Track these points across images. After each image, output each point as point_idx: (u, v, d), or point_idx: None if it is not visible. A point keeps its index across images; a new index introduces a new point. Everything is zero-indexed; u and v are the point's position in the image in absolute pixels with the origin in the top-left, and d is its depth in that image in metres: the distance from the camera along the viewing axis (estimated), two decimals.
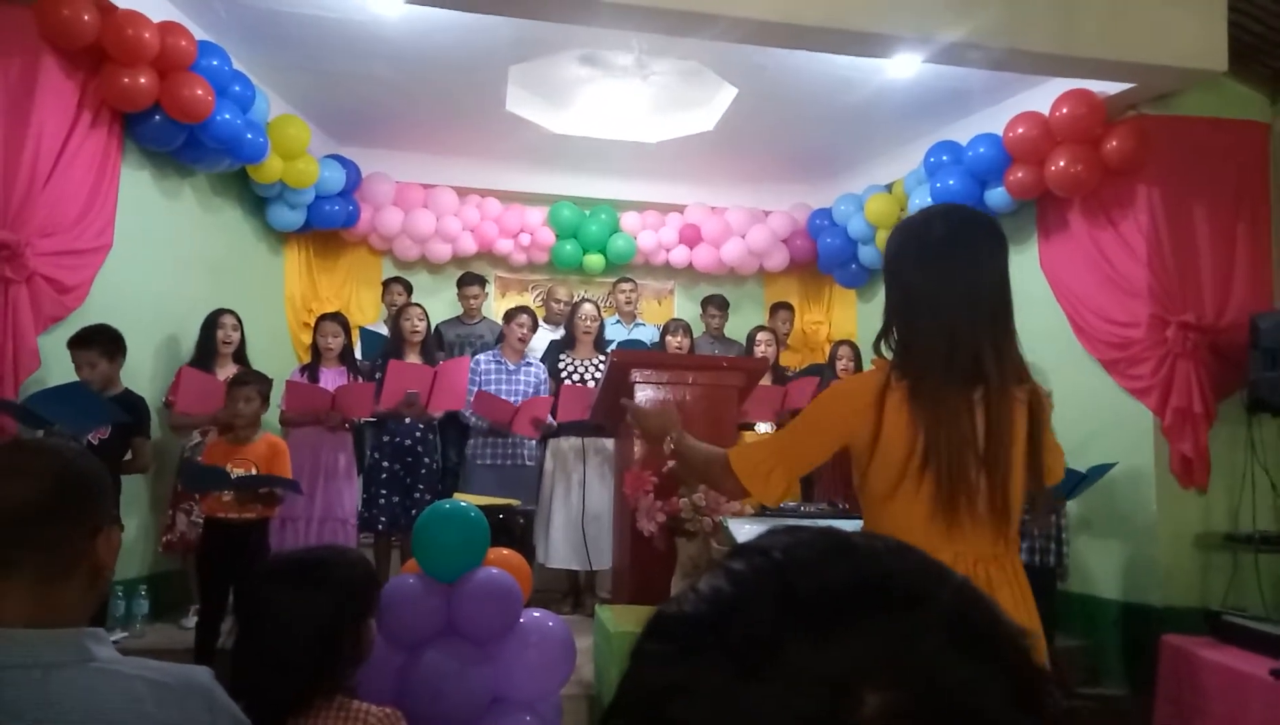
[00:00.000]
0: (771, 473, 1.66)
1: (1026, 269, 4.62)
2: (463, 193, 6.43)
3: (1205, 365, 4.09)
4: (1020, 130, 4.49)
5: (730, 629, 0.41)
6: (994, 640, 0.41)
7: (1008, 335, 1.60)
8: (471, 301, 5.86)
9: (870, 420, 1.58)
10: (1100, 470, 4.00)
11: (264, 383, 3.85)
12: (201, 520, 3.97)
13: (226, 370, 4.49)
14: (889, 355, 1.65)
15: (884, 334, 1.66)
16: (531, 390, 4.87)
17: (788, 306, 6.51)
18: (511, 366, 4.99)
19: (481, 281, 6.04)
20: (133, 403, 3.78)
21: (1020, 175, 4.56)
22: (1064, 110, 4.29)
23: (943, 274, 1.58)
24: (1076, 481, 3.88)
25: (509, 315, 5.14)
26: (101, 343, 3.65)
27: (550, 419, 4.70)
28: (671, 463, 3.23)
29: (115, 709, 1.02)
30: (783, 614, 0.41)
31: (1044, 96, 4.46)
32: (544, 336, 5.76)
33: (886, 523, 1.60)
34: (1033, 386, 1.62)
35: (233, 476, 3.53)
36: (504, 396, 4.74)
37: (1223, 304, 4.18)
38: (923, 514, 1.56)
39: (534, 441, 4.96)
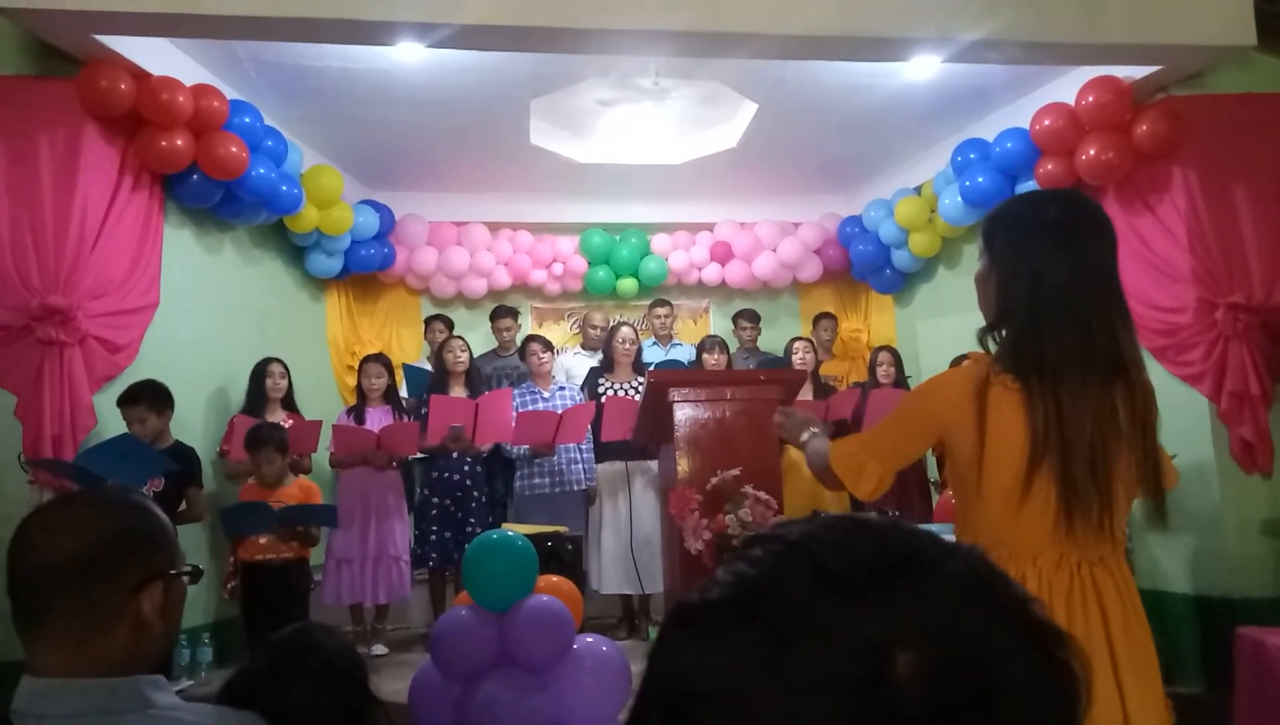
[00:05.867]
0: (865, 466, 1.63)
1: None
2: (494, 227, 6.53)
3: (1259, 346, 3.97)
4: (1047, 122, 4.43)
5: (763, 604, 0.44)
6: (1004, 600, 0.45)
7: (1130, 323, 1.54)
8: (504, 334, 5.93)
9: (970, 415, 1.51)
10: None
11: (279, 438, 3.98)
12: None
13: (276, 417, 4.60)
14: (993, 349, 1.57)
15: (993, 328, 1.58)
16: None
17: (829, 316, 6.49)
18: (546, 394, 5.06)
19: (514, 313, 6.12)
20: (184, 454, 3.88)
21: (1050, 167, 4.49)
22: (1090, 98, 4.23)
23: (1073, 260, 1.50)
24: None
25: (521, 350, 5.31)
26: (148, 398, 3.77)
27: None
28: (716, 480, 3.24)
29: None
30: (815, 586, 0.44)
31: (1069, 86, 4.40)
32: (583, 363, 5.81)
33: (993, 520, 1.54)
34: (1145, 381, 1.54)
35: (274, 508, 3.66)
36: None
37: (1272, 281, 4.05)
38: (1034, 513, 1.49)
39: (586, 466, 4.98)
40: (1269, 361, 3.98)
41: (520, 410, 4.95)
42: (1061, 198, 1.65)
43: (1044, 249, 1.52)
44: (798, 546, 0.46)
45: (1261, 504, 4.02)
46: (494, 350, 6.05)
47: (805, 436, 1.86)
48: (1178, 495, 4.17)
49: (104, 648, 1.07)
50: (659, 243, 6.74)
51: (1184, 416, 4.10)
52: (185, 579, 1.18)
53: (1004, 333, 1.57)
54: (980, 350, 1.60)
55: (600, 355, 5.34)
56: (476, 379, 5.09)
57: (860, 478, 1.63)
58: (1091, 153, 4.26)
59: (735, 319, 6.25)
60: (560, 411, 4.78)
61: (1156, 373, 4.20)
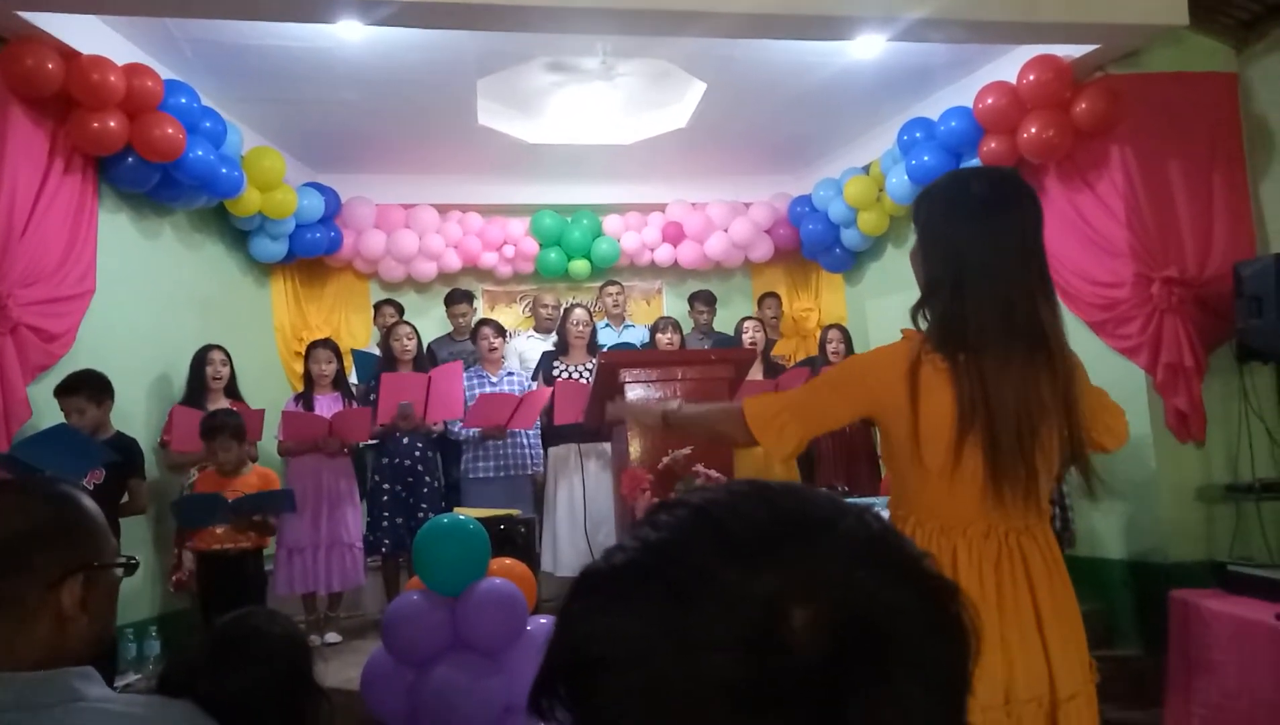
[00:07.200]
0: (786, 426, 1.62)
1: None
2: (443, 210, 6.45)
3: (1192, 318, 4.10)
4: (990, 101, 4.49)
5: (667, 567, 0.45)
6: (897, 556, 0.47)
7: (1054, 296, 1.55)
8: (460, 319, 5.88)
9: (903, 394, 1.53)
10: None
11: (234, 424, 3.90)
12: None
13: (219, 406, 4.50)
14: (924, 327, 1.58)
15: (921, 305, 1.59)
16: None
17: (773, 295, 6.55)
18: (494, 378, 5.03)
19: (470, 298, 6.07)
20: (125, 445, 3.79)
21: (994, 145, 4.57)
22: (1031, 77, 4.30)
23: (993, 235, 1.51)
24: None
25: (474, 333, 5.26)
26: (87, 388, 3.67)
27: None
28: (667, 460, 3.25)
29: None
30: (716, 548, 0.45)
31: (1010, 65, 4.47)
32: (536, 346, 5.78)
33: (926, 494, 1.57)
34: (1068, 354, 1.57)
35: (229, 499, 3.59)
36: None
37: (1205, 256, 4.18)
38: (964, 486, 1.52)
39: (532, 451, 4.98)
40: (1202, 334, 4.11)
41: (469, 397, 4.92)
42: (985, 174, 1.67)
43: (964, 224, 1.54)
44: (700, 511, 0.48)
45: (1195, 471, 4.16)
46: (448, 334, 5.99)
47: (675, 404, 1.90)
48: (1115, 463, 4.30)
49: (26, 641, 1.05)
50: (610, 224, 6.72)
51: (1122, 388, 4.19)
52: (117, 572, 1.15)
53: (930, 309, 1.59)
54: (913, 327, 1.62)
55: (554, 338, 5.32)
56: (425, 366, 5.03)
57: (781, 437, 1.62)
58: (1033, 131, 4.34)
59: (691, 301, 6.27)
60: (515, 395, 4.76)
61: (1095, 345, 4.33)
